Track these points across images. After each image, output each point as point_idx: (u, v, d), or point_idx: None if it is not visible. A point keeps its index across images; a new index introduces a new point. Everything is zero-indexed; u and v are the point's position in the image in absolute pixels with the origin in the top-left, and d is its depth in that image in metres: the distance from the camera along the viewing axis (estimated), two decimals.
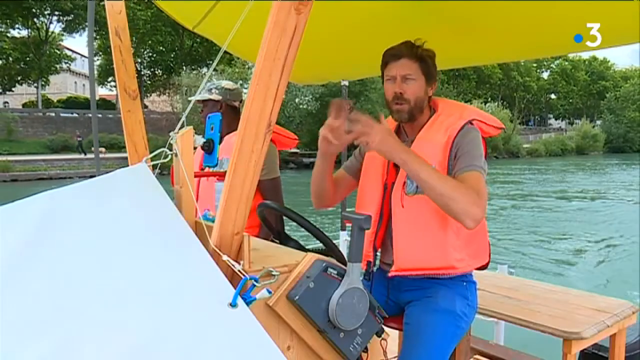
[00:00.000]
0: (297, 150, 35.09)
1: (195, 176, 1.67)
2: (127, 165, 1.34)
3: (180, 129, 1.28)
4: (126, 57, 1.63)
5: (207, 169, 2.07)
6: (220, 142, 2.45)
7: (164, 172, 1.38)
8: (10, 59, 37.83)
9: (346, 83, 3.55)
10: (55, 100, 42.52)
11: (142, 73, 42.26)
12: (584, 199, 20.55)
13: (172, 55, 42.36)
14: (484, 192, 1.56)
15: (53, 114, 35.97)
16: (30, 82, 40.40)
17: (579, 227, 13.85)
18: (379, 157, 1.81)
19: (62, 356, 0.92)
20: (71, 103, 41.96)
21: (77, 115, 36.04)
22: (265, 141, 1.11)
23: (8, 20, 36.20)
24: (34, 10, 36.95)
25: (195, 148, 1.39)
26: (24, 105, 41.00)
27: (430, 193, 1.53)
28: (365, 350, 1.34)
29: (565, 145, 60.75)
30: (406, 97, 1.71)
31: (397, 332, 1.84)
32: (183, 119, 1.29)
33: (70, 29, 39.64)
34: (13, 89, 40.94)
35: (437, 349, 1.63)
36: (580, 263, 10.23)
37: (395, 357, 1.67)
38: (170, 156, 1.29)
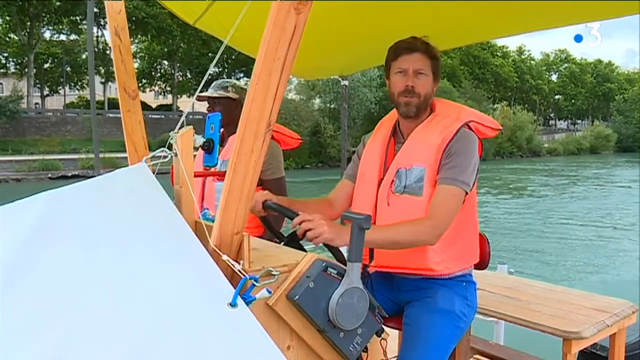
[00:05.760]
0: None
1: (195, 176, 1.67)
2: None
3: (180, 128, 1.28)
4: (126, 57, 1.64)
5: (213, 169, 2.07)
6: (224, 141, 2.46)
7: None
8: (56, 61, 39.39)
9: (346, 83, 3.56)
10: None
11: (175, 75, 43.66)
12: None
13: (204, 59, 42.86)
14: (449, 209, 1.61)
15: (120, 115, 37.05)
16: (72, 84, 41.83)
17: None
18: (375, 157, 1.81)
19: (62, 356, 0.92)
20: (109, 104, 42.77)
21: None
22: (265, 141, 1.11)
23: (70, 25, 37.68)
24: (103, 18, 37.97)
25: (196, 148, 1.39)
26: (65, 106, 41.83)
27: (397, 247, 1.60)
28: (365, 350, 1.34)
29: (581, 144, 64.32)
30: (417, 91, 1.70)
31: (396, 331, 1.84)
32: (183, 118, 1.29)
33: None
34: (60, 90, 42.28)
35: (436, 349, 1.63)
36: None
37: (395, 357, 1.67)
38: (170, 156, 1.29)
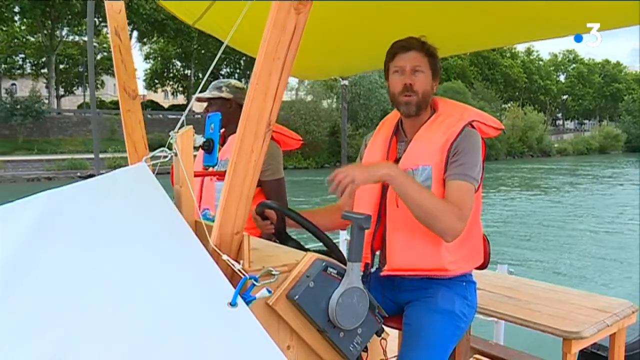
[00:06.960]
0: None
1: (195, 176, 1.67)
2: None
3: (180, 128, 1.28)
4: (126, 56, 1.64)
5: (210, 169, 2.07)
6: (224, 141, 2.46)
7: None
8: (71, 62, 40.57)
9: (346, 82, 3.56)
10: (107, 102, 44.34)
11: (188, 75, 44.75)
12: None
13: (219, 61, 43.43)
14: (467, 205, 1.60)
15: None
16: (87, 85, 42.61)
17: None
18: (377, 155, 1.80)
19: (62, 356, 0.92)
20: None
21: (161, 116, 38.86)
22: (265, 141, 1.11)
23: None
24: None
25: (196, 148, 1.39)
26: (78, 106, 42.49)
27: (415, 210, 1.56)
28: (365, 349, 1.34)
29: (590, 144, 65.28)
30: (415, 88, 1.69)
31: (396, 331, 1.84)
32: (183, 118, 1.29)
33: (140, 37, 41.59)
34: (75, 91, 43.60)
35: (437, 348, 1.63)
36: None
37: (395, 357, 1.67)
38: (169, 156, 1.29)
